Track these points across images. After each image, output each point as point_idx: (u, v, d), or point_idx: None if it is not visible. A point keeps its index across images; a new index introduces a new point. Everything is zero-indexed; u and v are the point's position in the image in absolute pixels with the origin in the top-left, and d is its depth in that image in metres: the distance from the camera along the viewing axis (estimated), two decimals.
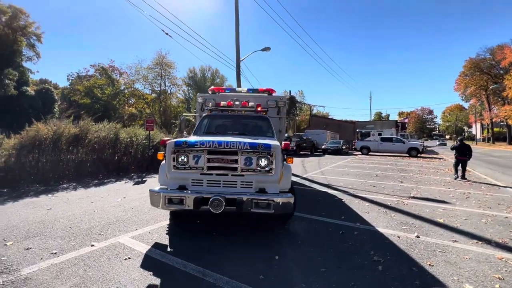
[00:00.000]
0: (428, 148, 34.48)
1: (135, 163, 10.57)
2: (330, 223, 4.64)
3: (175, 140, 4.08)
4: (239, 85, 18.05)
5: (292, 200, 3.84)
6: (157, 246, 3.55)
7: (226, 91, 6.74)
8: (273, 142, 4.12)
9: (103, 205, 5.44)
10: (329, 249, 3.58)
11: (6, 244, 3.49)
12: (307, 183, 8.71)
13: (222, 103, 5.81)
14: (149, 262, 3.10)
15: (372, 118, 65.36)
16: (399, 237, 4.04)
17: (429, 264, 3.17)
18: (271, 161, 3.96)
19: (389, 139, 24.06)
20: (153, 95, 39.60)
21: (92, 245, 3.52)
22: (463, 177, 9.87)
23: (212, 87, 6.71)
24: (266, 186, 4.02)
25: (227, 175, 3.99)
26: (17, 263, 3.00)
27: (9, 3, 25.23)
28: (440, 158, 20.47)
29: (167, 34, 12.63)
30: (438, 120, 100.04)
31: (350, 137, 34.80)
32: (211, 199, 3.61)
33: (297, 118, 57.88)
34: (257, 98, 6.43)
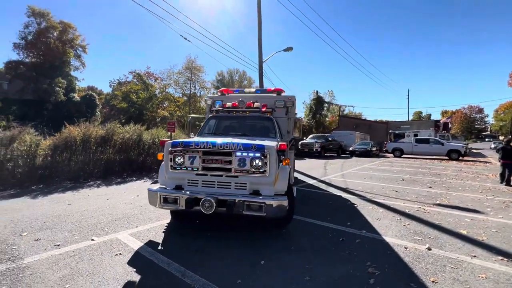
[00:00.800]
0: (475, 151, 31.08)
1: (157, 163, 11.10)
2: (332, 229, 4.37)
3: (172, 141, 4.17)
4: (261, 86, 18.08)
5: (285, 203, 3.69)
6: (150, 243, 3.66)
7: (235, 92, 6.76)
8: (268, 143, 4.00)
9: (116, 202, 5.78)
10: (322, 256, 3.36)
11: (21, 235, 3.87)
12: (323, 186, 8.36)
13: (228, 104, 5.84)
14: (136, 259, 3.20)
15: (410, 118, 60.85)
16: (406, 248, 3.66)
17: (432, 281, 2.81)
18: (265, 162, 3.85)
19: (426, 141, 22.15)
20: (184, 98, 41.45)
21: (92, 240, 3.74)
22: (508, 183, 8.69)
23: (221, 88, 6.78)
24: (261, 188, 3.92)
25: (221, 176, 3.97)
26: (24, 252, 3.30)
27: (60, 19, 28.35)
28: (486, 162, 18.31)
29: (185, 38, 13.11)
30: (490, 120, 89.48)
31: (382, 139, 32.78)
32: (202, 200, 3.62)
33: (327, 119, 56.35)
34: (265, 98, 6.34)
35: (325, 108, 36.25)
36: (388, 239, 3.98)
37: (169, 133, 11.78)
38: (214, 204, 3.59)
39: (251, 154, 3.88)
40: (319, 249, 3.58)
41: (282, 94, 6.53)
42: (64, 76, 28.51)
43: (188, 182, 4.08)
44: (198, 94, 43.02)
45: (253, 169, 3.87)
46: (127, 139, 10.09)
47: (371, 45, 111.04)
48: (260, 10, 16.29)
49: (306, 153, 20.44)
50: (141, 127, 12.01)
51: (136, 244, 3.61)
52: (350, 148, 23.26)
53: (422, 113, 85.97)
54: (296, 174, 10.72)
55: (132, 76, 40.56)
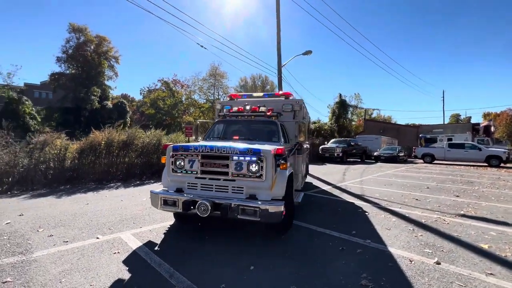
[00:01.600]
0: None
1: None
2: (335, 237, 4.19)
3: (173, 144, 4.31)
4: (280, 90, 18.05)
5: (280, 208, 3.62)
6: (148, 244, 3.78)
7: (243, 96, 6.82)
8: (264, 147, 3.98)
9: (128, 203, 6.07)
10: (316, 265, 3.23)
11: (38, 230, 4.22)
12: (336, 192, 8.06)
13: (234, 108, 5.91)
14: (132, 258, 3.32)
15: (446, 121, 56.53)
16: (411, 261, 3.39)
17: None
18: (261, 167, 3.82)
19: (460, 145, 20.45)
20: (208, 104, 42.71)
21: (97, 238, 3.96)
22: None
23: (230, 93, 6.89)
24: (257, 192, 3.90)
25: (219, 179, 4.02)
26: (35, 247, 3.59)
27: (96, 33, 30.93)
28: None
29: (202, 46, 13.51)
30: None
31: (412, 144, 30.89)
32: (198, 203, 3.69)
33: (353, 122, 54.46)
34: (272, 102, 6.32)
35: (350, 112, 35.06)
36: (393, 250, 3.71)
37: (187, 137, 12.19)
38: (209, 208, 3.63)
39: (247, 158, 3.87)
40: (314, 258, 3.44)
41: (290, 98, 6.46)
42: (99, 85, 30.89)
43: (188, 185, 4.18)
44: (222, 100, 44.12)
45: (250, 173, 3.86)
46: (147, 144, 10.61)
47: (401, 45, 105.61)
48: (279, 14, 16.32)
49: (326, 158, 19.90)
50: (162, 132, 12.57)
51: (135, 244, 3.75)
52: (375, 153, 22.21)
53: (460, 115, 79.35)
54: (311, 179, 10.47)
55: (161, 84, 42.91)
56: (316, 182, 9.91)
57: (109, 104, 32.60)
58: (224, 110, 6.14)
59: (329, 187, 9.00)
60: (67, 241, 3.81)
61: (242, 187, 3.93)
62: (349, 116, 37.85)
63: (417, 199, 7.16)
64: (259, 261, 3.30)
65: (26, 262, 3.16)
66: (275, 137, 5.18)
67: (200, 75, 42.53)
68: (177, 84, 42.65)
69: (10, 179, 7.84)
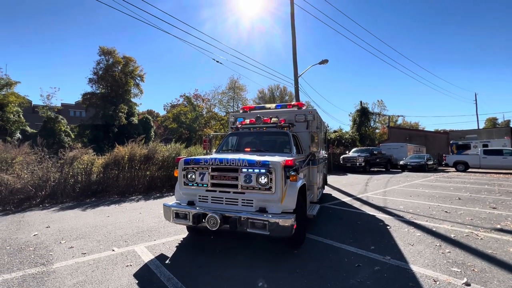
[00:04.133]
0: None
1: None
2: (351, 253, 3.96)
3: (184, 158, 4.40)
4: (297, 100, 17.97)
5: (289, 222, 3.52)
6: (160, 257, 3.82)
7: (257, 108, 6.86)
8: (273, 159, 3.93)
9: (146, 216, 6.23)
10: (327, 283, 3.05)
11: (60, 242, 4.44)
12: (357, 204, 7.69)
13: (246, 121, 5.95)
14: (143, 271, 3.36)
15: (481, 126, 52.50)
16: (436, 281, 3.09)
17: None
18: (271, 179, 3.77)
19: (498, 152, 18.85)
20: (228, 116, 43.60)
21: (113, 250, 4.08)
22: None
23: (243, 106, 6.96)
24: (267, 205, 3.84)
25: (229, 192, 4.01)
26: (56, 258, 3.76)
27: (123, 54, 33.19)
28: None
29: (217, 61, 13.92)
30: None
31: (442, 151, 28.99)
32: (207, 217, 3.69)
33: (377, 130, 52.48)
34: (285, 113, 6.29)
35: (372, 120, 33.88)
36: (416, 268, 3.42)
37: (205, 150, 12.41)
38: (219, 221, 3.62)
39: (256, 171, 3.84)
40: (327, 275, 3.26)
41: (303, 108, 6.39)
42: (126, 102, 32.76)
43: (199, 198, 4.22)
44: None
45: (259, 186, 3.82)
46: (167, 157, 10.95)
47: (425, 48, 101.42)
48: (294, 25, 16.48)
49: (348, 168, 19.23)
50: (181, 145, 12.94)
51: (147, 257, 3.81)
52: (401, 162, 21.08)
53: (497, 119, 73.37)
54: (330, 191, 10.13)
55: (183, 99, 44.67)
56: (335, 194, 9.56)
57: (135, 120, 34.33)
58: (237, 122, 6.21)
59: (349, 198, 8.62)
60: (85, 253, 3.96)
61: (252, 200, 3.89)
62: (372, 124, 36.59)
63: (446, 212, 6.62)
64: (268, 277, 3.19)
65: (45, 273, 3.32)
66: (286, 148, 5.11)
67: (220, 89, 43.72)
68: (198, 99, 44.17)
69: (42, 193, 8.42)
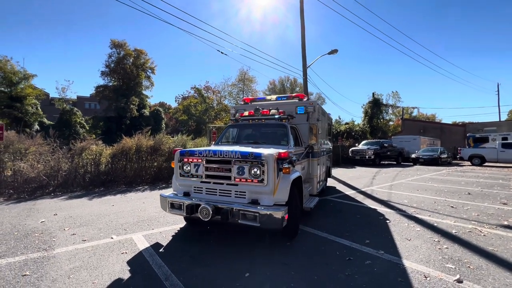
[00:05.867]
0: None
1: None
2: (345, 246, 3.93)
3: (180, 149, 4.45)
4: (306, 92, 17.77)
5: (281, 214, 3.52)
6: (155, 245, 3.93)
7: (258, 100, 6.80)
8: (266, 151, 3.90)
9: (148, 206, 6.40)
10: (315, 275, 3.05)
11: (64, 229, 4.65)
12: (360, 197, 7.58)
13: (245, 113, 5.92)
14: (136, 259, 3.48)
15: (504, 118, 49.79)
16: (426, 277, 3.02)
17: None
18: (263, 171, 3.77)
19: None
20: None
21: (112, 238, 4.23)
22: None
23: (244, 97, 6.91)
24: (260, 197, 3.85)
25: (222, 184, 4.04)
26: (57, 244, 3.95)
27: (134, 47, 33.56)
28: None
29: (222, 53, 13.77)
30: None
31: (459, 144, 27.92)
32: (200, 207, 3.75)
33: (391, 122, 51.00)
34: (286, 105, 6.21)
35: (385, 111, 32.91)
36: (408, 263, 3.36)
37: (212, 142, 12.50)
38: (211, 212, 3.67)
39: (249, 163, 3.85)
40: (316, 268, 3.26)
41: (304, 100, 6.27)
42: (137, 95, 33.31)
43: (194, 189, 4.28)
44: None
45: (252, 178, 3.83)
46: (173, 148, 11.11)
47: (444, 33, 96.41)
48: (303, 15, 16.08)
49: (357, 161, 18.90)
50: (188, 137, 13.09)
51: (143, 245, 3.93)
52: (413, 155, 20.48)
53: None
54: (335, 184, 10.03)
55: (194, 91, 44.95)
56: (340, 187, 9.45)
57: (146, 112, 34.94)
58: (237, 114, 6.19)
59: (353, 191, 8.51)
60: (85, 240, 4.13)
61: (245, 192, 3.91)
62: (384, 115, 35.59)
63: (452, 207, 6.41)
64: (256, 268, 3.22)
65: (46, 258, 3.49)
66: (284, 140, 5.06)
67: (230, 81, 43.60)
68: (209, 91, 44.30)
69: (55, 182, 8.80)
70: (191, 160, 4.27)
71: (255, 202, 3.82)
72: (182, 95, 49.28)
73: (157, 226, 4.86)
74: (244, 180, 3.87)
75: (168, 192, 4.55)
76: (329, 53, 16.90)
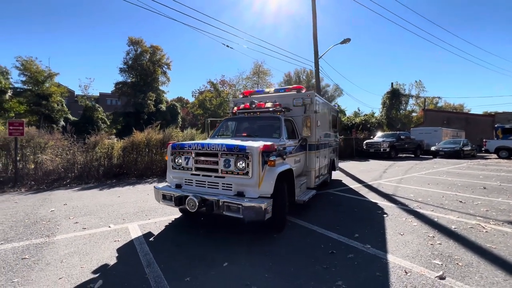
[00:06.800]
0: None
1: None
2: (331, 239, 3.89)
3: (172, 143, 4.57)
4: (317, 84, 17.44)
5: (263, 206, 3.54)
6: (146, 235, 4.12)
7: (257, 93, 6.77)
8: (251, 144, 3.92)
9: (151, 197, 6.64)
10: (291, 268, 3.06)
11: (70, 218, 4.98)
12: (364, 191, 7.39)
13: (241, 106, 5.93)
14: (126, 247, 3.67)
15: None
16: (407, 272, 2.93)
17: None
18: (248, 164, 3.79)
19: None
20: None
21: (109, 227, 4.48)
22: None
23: (244, 90, 6.91)
24: (245, 189, 3.89)
25: (211, 176, 4.13)
26: (59, 232, 4.26)
27: (151, 44, 34.43)
28: None
29: (227, 46, 13.70)
30: None
31: (487, 135, 26.11)
32: (187, 199, 3.87)
33: (415, 114, 48.61)
34: (283, 97, 6.14)
35: (405, 102, 31.39)
36: (392, 258, 3.27)
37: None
38: (197, 204, 3.77)
39: (234, 155, 3.89)
40: (295, 259, 3.26)
41: (302, 92, 6.16)
42: (154, 90, 34.27)
43: (185, 182, 4.40)
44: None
45: (237, 170, 3.87)
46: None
47: (472, 16, 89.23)
48: (315, 1, 15.61)
49: (371, 154, 18.31)
50: (197, 130, 13.35)
51: (136, 234, 4.13)
52: (432, 148, 19.49)
53: None
54: (342, 177, 9.83)
55: (210, 85, 45.45)
56: (346, 180, 9.25)
57: (163, 107, 35.94)
58: (235, 107, 6.22)
59: (359, 185, 8.30)
60: (85, 228, 4.41)
61: (231, 184, 3.96)
62: (407, 107, 34.01)
63: (461, 201, 6.09)
64: (236, 258, 3.29)
65: (46, 243, 3.78)
66: (276, 133, 5.03)
67: (244, 74, 43.57)
68: (225, 84, 44.58)
69: (71, 175, 9.40)
70: (182, 153, 4.39)
71: (240, 195, 3.87)
72: (199, 90, 50.02)
73: (154, 216, 5.07)
74: (230, 172, 3.93)
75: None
76: (341, 43, 16.34)
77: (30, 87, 25.80)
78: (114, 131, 30.86)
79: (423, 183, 8.45)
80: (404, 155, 19.99)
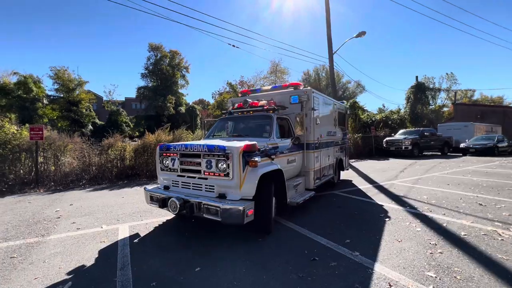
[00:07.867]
0: None
1: None
2: (319, 245, 3.63)
3: (160, 144, 4.57)
4: (332, 79, 16.99)
5: (241, 209, 3.39)
6: (133, 236, 4.13)
7: (256, 91, 6.61)
8: (232, 144, 3.78)
9: None
10: (264, 275, 2.87)
11: (69, 218, 5.18)
12: (372, 192, 6.92)
13: (235, 105, 5.81)
14: (109, 248, 3.70)
15: None
16: (391, 285, 2.61)
17: None
18: (228, 164, 3.66)
19: None
20: None
21: (101, 227, 4.58)
22: None
23: (242, 89, 6.77)
24: (227, 191, 3.77)
25: (195, 177, 4.05)
26: (54, 231, 4.42)
27: (170, 48, 35.62)
28: None
29: (233, 46, 13.57)
30: None
31: None
32: (169, 201, 3.83)
33: (445, 108, 45.35)
34: (280, 95, 5.92)
35: (431, 96, 29.31)
36: (380, 268, 2.95)
37: None
38: (178, 206, 3.72)
39: (216, 156, 3.77)
40: (271, 266, 3.06)
41: (299, 89, 5.89)
42: (173, 93, 35.38)
43: (172, 183, 4.38)
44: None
45: (218, 171, 3.76)
46: None
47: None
48: None
49: (393, 152, 17.28)
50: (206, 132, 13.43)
51: (123, 235, 4.16)
52: (462, 145, 17.94)
53: None
54: (353, 177, 9.33)
55: (229, 87, 46.02)
56: (357, 180, 8.76)
57: (183, 109, 36.99)
58: (231, 107, 6.12)
59: (369, 186, 7.81)
60: (79, 228, 4.55)
61: (213, 186, 3.86)
62: (433, 101, 31.76)
63: (480, 204, 5.45)
64: (210, 263, 3.17)
65: (38, 243, 3.94)
66: (266, 132, 4.84)
67: (262, 73, 43.43)
68: (244, 85, 44.86)
69: (87, 176, 9.89)
70: (168, 154, 4.36)
71: (222, 197, 3.75)
72: (218, 91, 50.80)
73: (147, 217, 5.11)
74: (212, 173, 3.82)
75: None
76: (356, 36, 15.64)
77: (62, 95, 27.78)
78: (137, 133, 32.34)
79: (442, 184, 7.73)
80: (430, 153, 18.64)
